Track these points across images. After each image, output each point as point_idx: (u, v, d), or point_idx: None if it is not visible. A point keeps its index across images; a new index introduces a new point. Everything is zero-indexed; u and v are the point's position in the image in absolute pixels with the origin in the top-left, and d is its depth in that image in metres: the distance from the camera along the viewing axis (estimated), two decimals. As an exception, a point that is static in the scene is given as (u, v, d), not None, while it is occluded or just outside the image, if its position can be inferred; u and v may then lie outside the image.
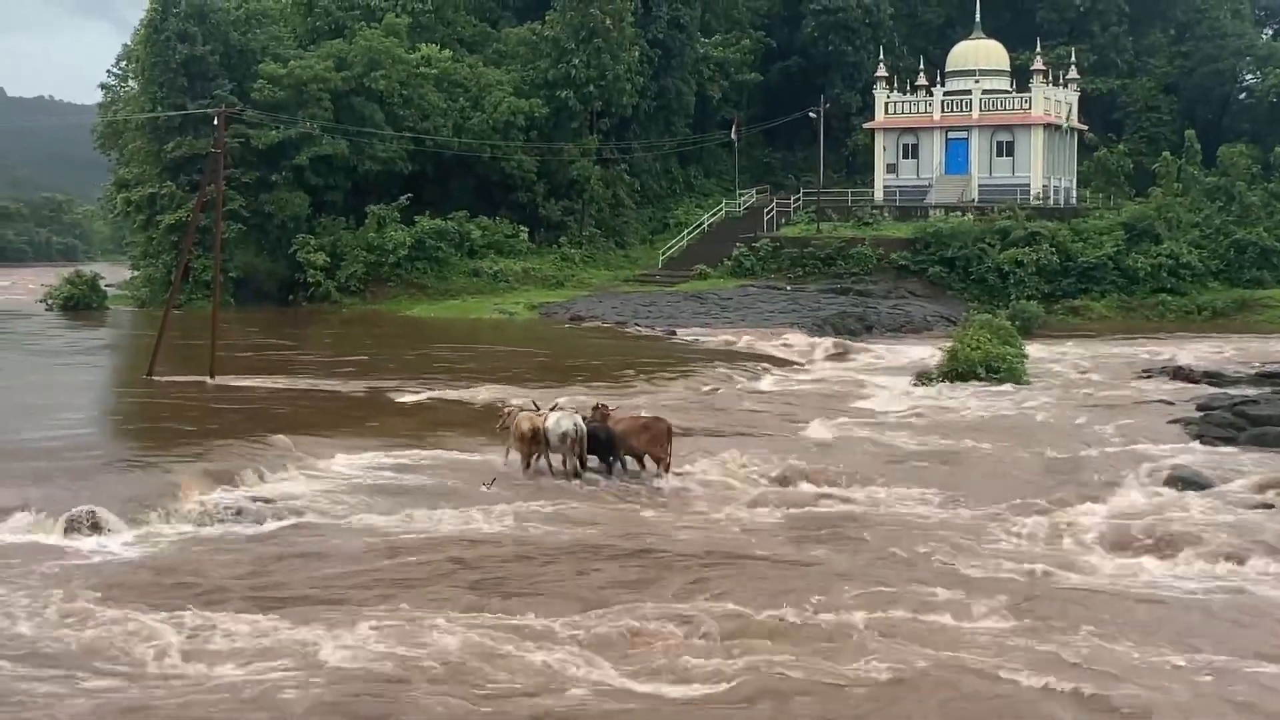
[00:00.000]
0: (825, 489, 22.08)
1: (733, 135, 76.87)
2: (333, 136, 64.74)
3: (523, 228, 68.96)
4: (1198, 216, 63.37)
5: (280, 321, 57.85)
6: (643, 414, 24.63)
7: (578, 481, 22.08)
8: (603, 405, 23.65)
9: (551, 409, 23.01)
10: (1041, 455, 25.52)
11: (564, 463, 22.42)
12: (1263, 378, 37.78)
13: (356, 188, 67.37)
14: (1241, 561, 17.56)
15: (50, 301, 65.73)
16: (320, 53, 67.55)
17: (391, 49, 67.39)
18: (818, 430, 27.96)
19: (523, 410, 22.75)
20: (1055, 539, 18.95)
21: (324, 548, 17.61)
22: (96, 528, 18.19)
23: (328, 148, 64.68)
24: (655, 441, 22.61)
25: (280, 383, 34.19)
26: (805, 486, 22.27)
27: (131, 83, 75.20)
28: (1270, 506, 20.78)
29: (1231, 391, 34.21)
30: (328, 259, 64.70)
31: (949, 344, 39.53)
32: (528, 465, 22.48)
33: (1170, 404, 32.58)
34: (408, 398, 31.54)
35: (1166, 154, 67.09)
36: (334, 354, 43.49)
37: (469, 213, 67.75)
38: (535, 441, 22.26)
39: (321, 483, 21.54)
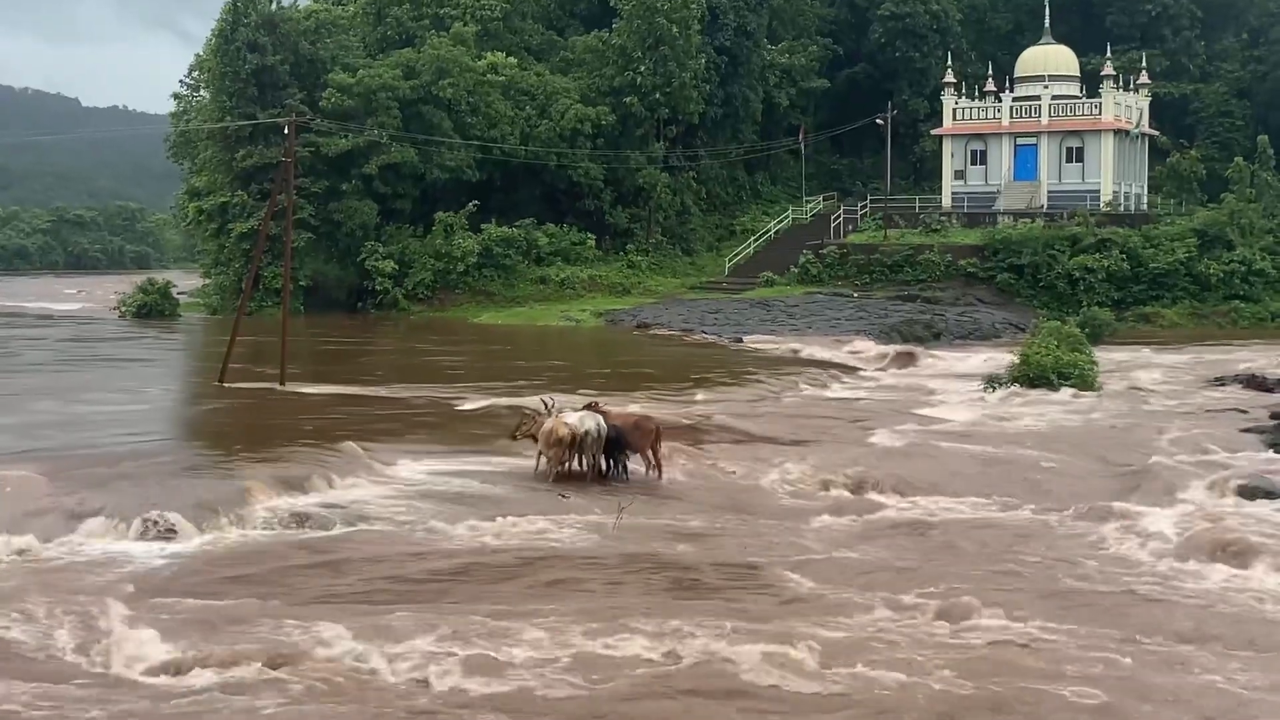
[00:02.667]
0: (896, 498, 21.99)
1: (800, 142, 76.71)
2: (401, 145, 65.23)
3: (589, 235, 69.18)
4: (1271, 223, 62.56)
5: (349, 328, 58.35)
6: (633, 412, 24.66)
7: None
8: (595, 404, 23.66)
9: (558, 411, 22.74)
10: (1113, 463, 25.28)
11: (586, 464, 22.51)
12: (1339, 386, 37.20)
13: (424, 195, 67.83)
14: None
15: (124, 309, 66.59)
16: (389, 61, 68.08)
17: (459, 57, 67.82)
18: (887, 437, 27.83)
19: (539, 415, 22.60)
20: (1127, 545, 18.78)
21: (391, 552, 17.75)
22: (169, 532, 18.42)
23: (396, 156, 65.15)
24: (647, 440, 22.66)
25: (350, 389, 34.47)
26: (874, 495, 22.21)
27: (203, 92, 76.14)
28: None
29: (1307, 400, 33.72)
30: (395, 266, 65.19)
31: (1018, 351, 39.22)
32: (560, 470, 22.48)
33: (1244, 412, 32.15)
34: (472, 405, 31.66)
35: (1239, 159, 66.22)
36: (403, 361, 43.78)
37: (536, 220, 68.06)
38: (574, 446, 22.18)
39: (387, 488, 21.67)
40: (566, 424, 22.04)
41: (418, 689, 12.68)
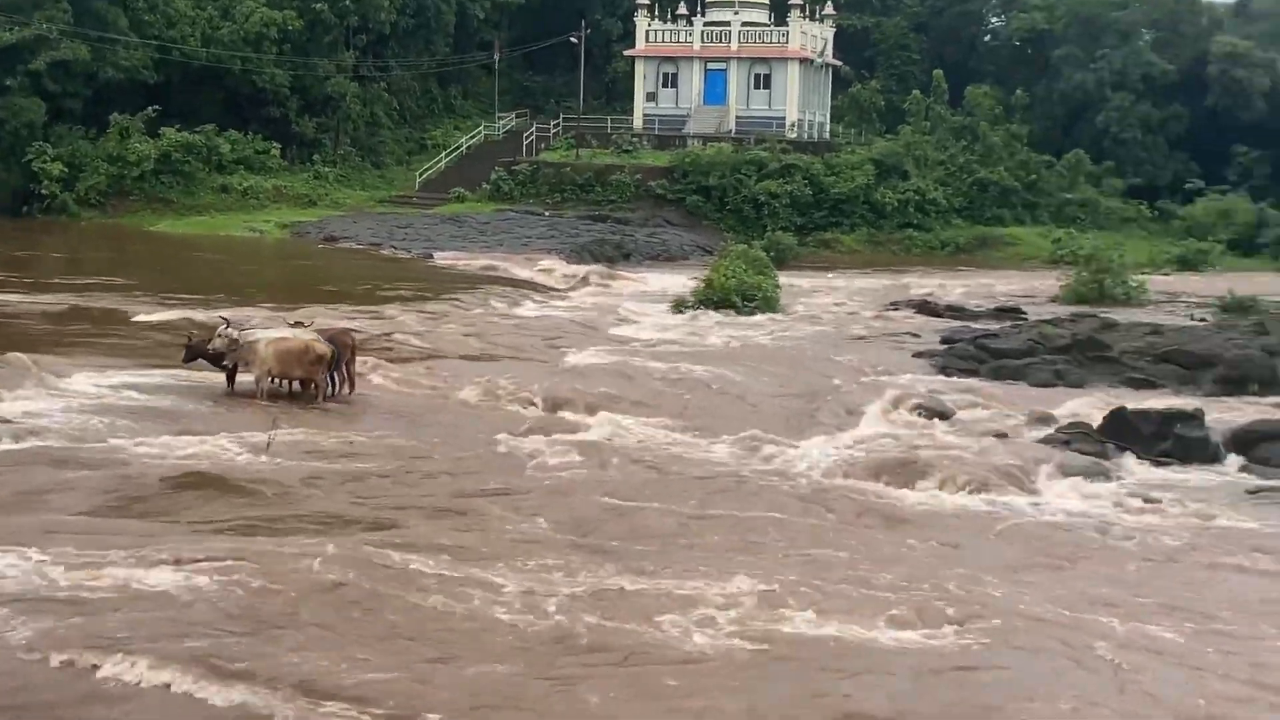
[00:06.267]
0: (583, 416, 22.13)
1: (493, 58, 75.96)
2: (72, 41, 61.61)
3: (275, 144, 66.87)
4: (943, 155, 65.42)
5: (12, 233, 54.99)
6: (329, 326, 24.20)
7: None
8: (299, 322, 23.16)
9: (228, 328, 21.80)
10: (792, 384, 26.08)
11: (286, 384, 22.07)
12: (1001, 312, 39.31)
13: (99, 96, 64.26)
14: (982, 487, 18.27)
15: None
16: (59, -49, 64.07)
17: (136, -49, 64.36)
18: (577, 357, 28.02)
19: (221, 333, 21.49)
20: (803, 465, 19.42)
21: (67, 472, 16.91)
22: None
23: (66, 52, 61.46)
24: (344, 354, 22.20)
25: (13, 297, 32.58)
26: (565, 414, 22.30)
27: None
28: (1006, 436, 21.68)
29: (973, 325, 35.52)
30: (65, 170, 61.70)
31: (706, 273, 40.00)
32: (285, 390, 21.89)
33: (916, 336, 33.68)
34: (154, 316, 30.39)
35: (916, 92, 68.94)
36: (74, 269, 41.66)
37: (218, 127, 65.44)
38: (326, 365, 21.53)
39: (62, 401, 20.60)
40: (310, 342, 21.44)
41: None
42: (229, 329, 21.62)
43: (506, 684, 11.19)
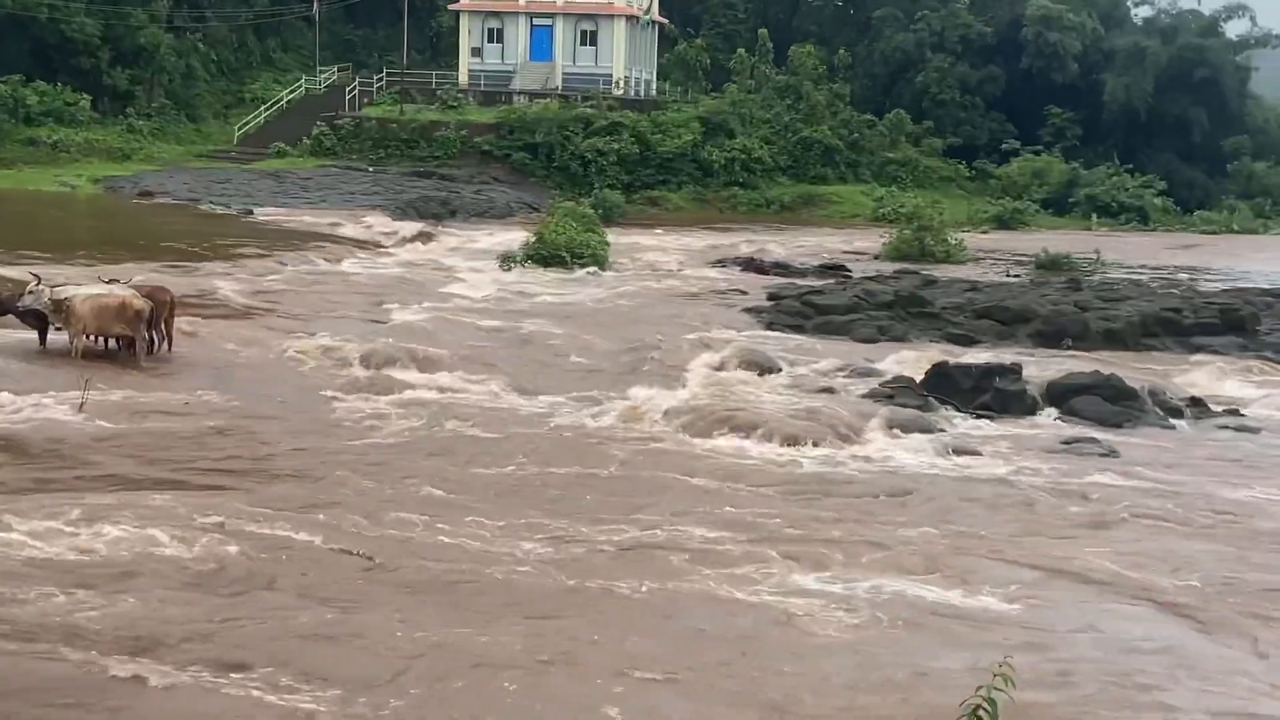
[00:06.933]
0: (411, 374, 21.81)
1: (313, 10, 74.34)
2: None
3: (85, 96, 64.59)
4: (768, 114, 66.00)
5: None
6: (146, 283, 23.51)
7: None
8: (114, 279, 22.49)
9: (39, 284, 20.97)
10: (620, 340, 26.07)
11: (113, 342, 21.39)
12: (826, 269, 39.91)
13: (-106, 44, 61.50)
14: (802, 441, 18.46)
15: None
16: None
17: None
18: (403, 314, 27.66)
19: (55, 288, 20.73)
20: (633, 422, 19.43)
21: None
22: None
23: None
24: (161, 311, 21.54)
25: None
26: (390, 372, 21.95)
27: None
28: (832, 390, 21.98)
29: (799, 282, 35.95)
30: None
31: (534, 229, 39.80)
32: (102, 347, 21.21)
33: (744, 293, 33.94)
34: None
35: (741, 51, 69.40)
36: None
37: (25, 77, 62.98)
38: (142, 321, 20.84)
39: None
40: (135, 298, 20.68)
41: None
42: (40, 285, 20.86)
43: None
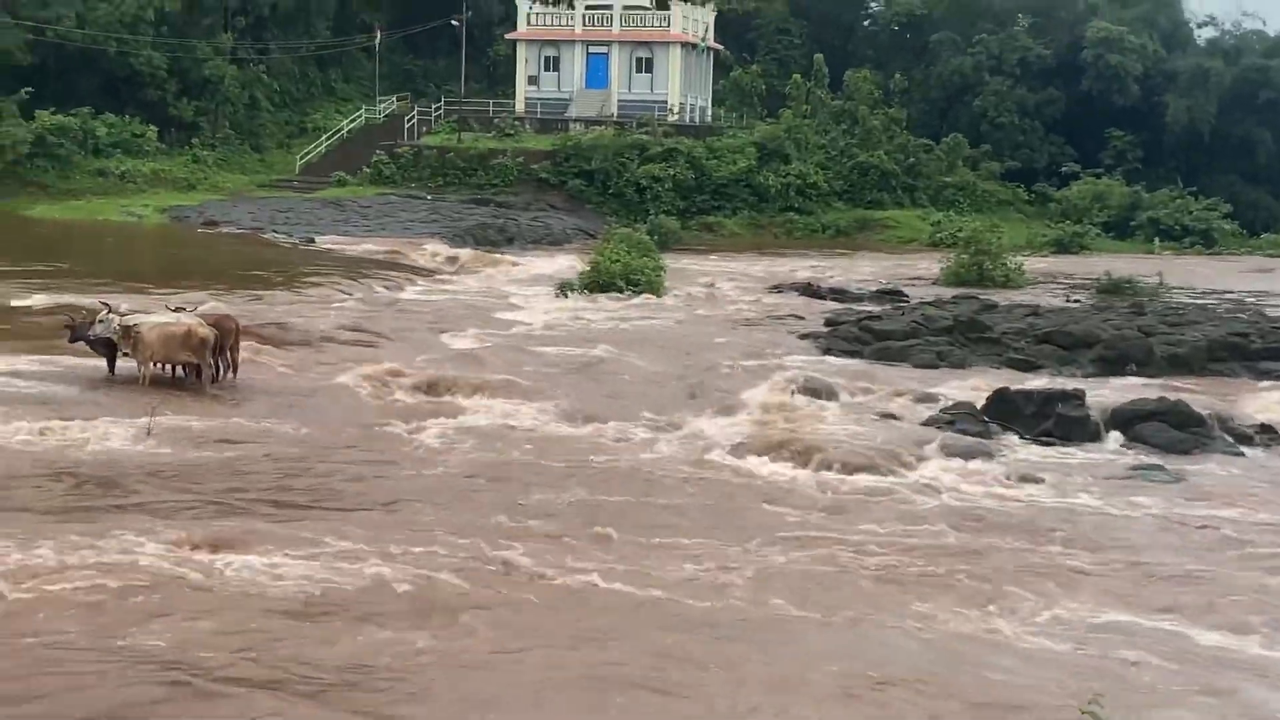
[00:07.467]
0: (469, 400, 21.92)
1: (374, 40, 75.09)
2: (-59, 22, 59.89)
3: (152, 127, 65.61)
4: (824, 139, 66.02)
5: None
6: (213, 311, 23.81)
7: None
8: (181, 307, 22.75)
9: (109, 312, 21.22)
10: (679, 367, 26.10)
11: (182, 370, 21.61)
12: (883, 294, 39.80)
13: (-31, 79, 62.62)
14: (868, 468, 18.40)
15: None
16: (-77, -71, 62.18)
17: (5, -71, 62.65)
18: (463, 341, 27.82)
19: (101, 318, 20.94)
20: (695, 448, 19.43)
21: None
22: None
23: (-64, 34, 59.81)
24: (227, 339, 21.75)
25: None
26: (450, 398, 22.08)
27: None
28: (894, 417, 21.91)
29: (856, 307, 35.88)
30: (-64, 154, 59.97)
31: (589, 257, 39.94)
32: (168, 375, 21.46)
33: (800, 319, 33.90)
34: (30, 301, 29.59)
35: (797, 76, 69.46)
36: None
37: (94, 110, 64.02)
38: (210, 349, 21.08)
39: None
40: (199, 327, 20.94)
41: None
42: (110, 313, 21.17)
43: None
